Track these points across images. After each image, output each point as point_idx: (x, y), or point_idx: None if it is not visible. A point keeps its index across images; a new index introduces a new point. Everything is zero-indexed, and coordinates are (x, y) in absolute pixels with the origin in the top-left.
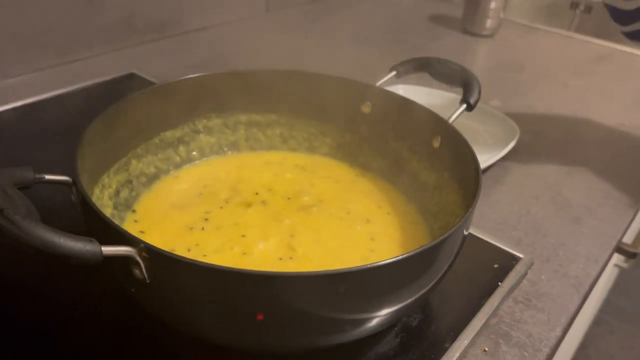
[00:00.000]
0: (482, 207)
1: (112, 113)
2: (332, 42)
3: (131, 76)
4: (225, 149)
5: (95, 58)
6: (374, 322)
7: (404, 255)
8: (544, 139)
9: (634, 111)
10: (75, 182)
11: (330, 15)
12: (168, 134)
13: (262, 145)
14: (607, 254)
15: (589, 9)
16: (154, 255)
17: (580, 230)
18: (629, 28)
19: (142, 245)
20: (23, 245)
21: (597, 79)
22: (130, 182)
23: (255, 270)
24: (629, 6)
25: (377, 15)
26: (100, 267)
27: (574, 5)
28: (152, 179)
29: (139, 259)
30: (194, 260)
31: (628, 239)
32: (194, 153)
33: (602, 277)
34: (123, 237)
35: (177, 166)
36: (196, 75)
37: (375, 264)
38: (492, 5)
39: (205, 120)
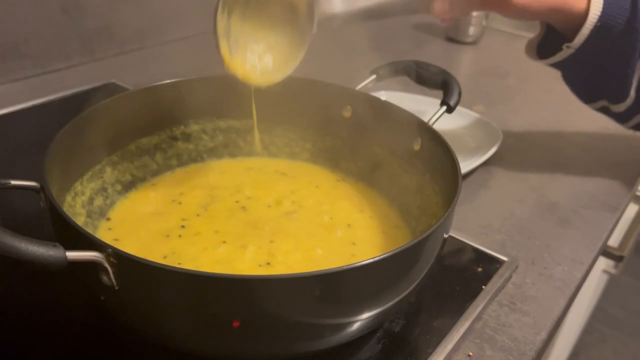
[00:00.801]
0: (466, 211)
1: (84, 119)
2: (315, 49)
3: (111, 85)
4: (204, 156)
5: (75, 68)
6: (353, 327)
7: (382, 257)
8: (528, 143)
9: None
10: (43, 188)
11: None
12: (144, 141)
13: (242, 152)
14: (592, 255)
15: None
16: (122, 260)
17: (565, 232)
18: (631, 123)
19: (110, 250)
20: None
21: None
22: (105, 189)
23: (227, 274)
24: (620, 108)
25: (360, 24)
26: (67, 274)
27: None
28: (128, 186)
29: (106, 264)
30: (163, 264)
31: (614, 242)
32: (172, 160)
33: (591, 283)
34: (90, 242)
35: (154, 174)
36: (172, 80)
37: (350, 266)
38: (475, 12)
39: (182, 127)
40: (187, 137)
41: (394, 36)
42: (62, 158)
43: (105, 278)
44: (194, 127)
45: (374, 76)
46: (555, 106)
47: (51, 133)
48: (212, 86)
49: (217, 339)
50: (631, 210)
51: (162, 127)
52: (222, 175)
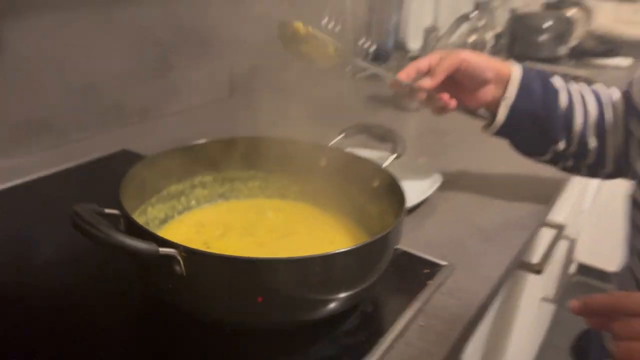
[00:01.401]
0: (416, 233)
1: (135, 173)
2: (288, 118)
3: (124, 152)
4: (216, 198)
5: (92, 138)
6: (338, 303)
7: (351, 247)
8: (463, 182)
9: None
10: (122, 215)
11: (284, 99)
12: (172, 188)
13: (245, 195)
14: (507, 262)
15: None
16: (190, 252)
17: (491, 246)
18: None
19: (182, 247)
20: (107, 246)
21: None
22: (147, 223)
23: (259, 257)
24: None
25: (324, 97)
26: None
27: None
28: (163, 221)
29: (179, 257)
30: (221, 254)
31: (535, 259)
32: (192, 202)
33: (531, 311)
34: (167, 243)
35: (180, 212)
36: (192, 144)
37: (330, 252)
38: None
39: (200, 177)
40: (203, 185)
41: (352, 106)
42: (124, 197)
43: (177, 268)
44: (208, 178)
45: (342, 135)
46: (484, 155)
47: (76, 194)
48: (222, 146)
49: (247, 310)
50: (549, 234)
51: (186, 178)
52: (230, 212)
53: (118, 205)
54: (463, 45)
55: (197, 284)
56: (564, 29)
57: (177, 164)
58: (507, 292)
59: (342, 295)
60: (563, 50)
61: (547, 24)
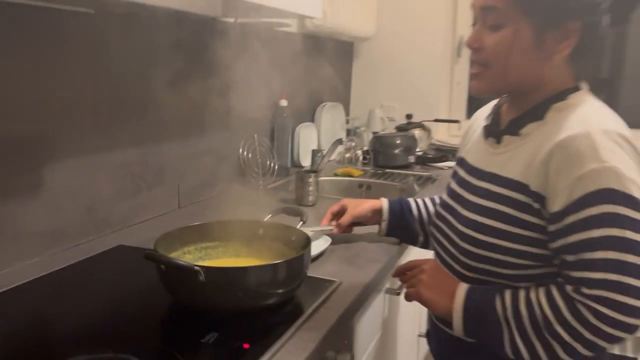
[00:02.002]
0: (318, 268)
1: (162, 240)
2: (223, 213)
3: (120, 246)
4: (197, 260)
5: (96, 240)
6: (278, 296)
7: (288, 259)
8: (346, 239)
9: None
10: (157, 260)
11: (218, 204)
12: (187, 247)
13: (213, 257)
14: (372, 275)
15: (369, 187)
16: (207, 269)
17: (356, 269)
18: None
19: (201, 266)
20: (170, 265)
21: None
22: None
23: (241, 266)
24: None
25: (248, 198)
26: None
27: (360, 186)
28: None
29: (202, 271)
30: (226, 267)
31: (395, 285)
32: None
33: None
34: (193, 266)
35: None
36: (179, 228)
37: (277, 262)
38: (311, 188)
39: (186, 248)
40: (189, 252)
41: (271, 201)
42: (160, 248)
43: (200, 277)
44: (191, 248)
45: (270, 215)
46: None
47: (105, 268)
48: (197, 229)
49: (231, 301)
50: None
51: (176, 249)
52: (215, 261)
53: (155, 253)
54: (341, 160)
55: (210, 285)
56: (411, 144)
57: (168, 242)
58: (385, 327)
59: (281, 291)
60: (412, 159)
61: (399, 141)
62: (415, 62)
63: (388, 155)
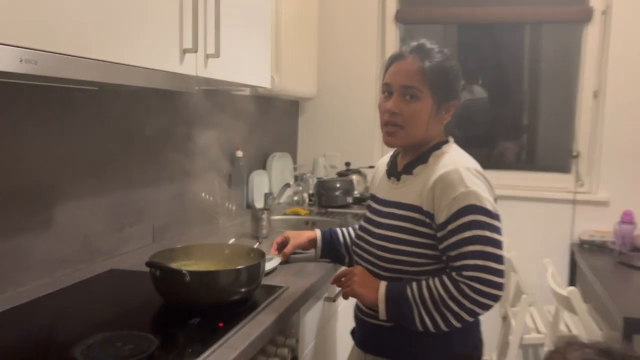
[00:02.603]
0: (270, 280)
1: (154, 256)
2: (192, 241)
3: (112, 270)
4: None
5: (91, 265)
6: (241, 294)
7: (248, 265)
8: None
9: None
10: (155, 269)
11: (187, 238)
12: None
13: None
14: (311, 282)
15: (314, 224)
16: (191, 272)
17: (299, 279)
18: None
19: (187, 270)
20: (164, 269)
21: None
22: None
23: (213, 270)
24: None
25: (213, 232)
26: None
27: (306, 222)
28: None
29: (187, 273)
30: (206, 270)
31: (332, 294)
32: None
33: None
34: (182, 270)
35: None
36: (163, 249)
37: (240, 266)
38: (264, 223)
39: (172, 263)
40: (183, 265)
41: (231, 234)
42: (159, 260)
43: (187, 278)
44: (186, 262)
45: (233, 239)
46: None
47: (103, 285)
48: (177, 251)
49: (209, 296)
50: None
51: (174, 261)
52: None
53: (154, 261)
54: (290, 202)
55: (194, 285)
56: (350, 187)
57: (159, 258)
58: (324, 326)
59: (243, 289)
60: (350, 199)
61: (339, 185)
62: (352, 117)
63: (330, 197)
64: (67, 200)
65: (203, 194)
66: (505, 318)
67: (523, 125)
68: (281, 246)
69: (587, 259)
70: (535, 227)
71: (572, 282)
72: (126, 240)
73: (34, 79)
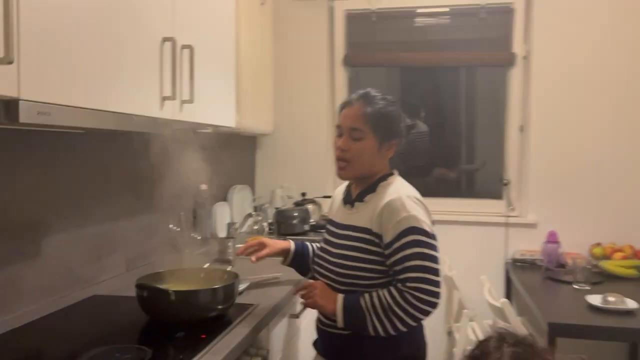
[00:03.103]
0: (242, 299)
1: (140, 280)
2: (168, 268)
3: (95, 296)
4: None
5: (77, 292)
6: (218, 311)
7: (225, 284)
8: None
9: None
10: (143, 290)
11: (157, 266)
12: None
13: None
14: (277, 300)
15: None
16: (177, 291)
17: (266, 299)
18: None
19: (173, 290)
20: (153, 290)
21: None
22: None
23: (194, 289)
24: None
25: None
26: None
27: None
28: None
29: (172, 293)
30: (189, 289)
31: (295, 312)
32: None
33: None
34: (167, 290)
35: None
36: (150, 273)
37: (218, 285)
38: (230, 250)
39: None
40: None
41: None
42: (147, 281)
43: (172, 297)
44: (167, 285)
45: (208, 264)
46: (274, 269)
47: (78, 319)
48: (160, 274)
49: (193, 312)
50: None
51: (157, 284)
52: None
53: (143, 283)
54: (251, 231)
55: (178, 302)
56: (306, 215)
57: (144, 280)
58: (290, 340)
59: (220, 306)
60: (307, 227)
61: (296, 214)
62: (306, 150)
63: (288, 225)
64: (52, 233)
65: (170, 226)
66: (450, 333)
67: (460, 156)
68: (255, 249)
69: (519, 276)
70: (473, 248)
71: (508, 297)
72: (103, 269)
73: (36, 125)
